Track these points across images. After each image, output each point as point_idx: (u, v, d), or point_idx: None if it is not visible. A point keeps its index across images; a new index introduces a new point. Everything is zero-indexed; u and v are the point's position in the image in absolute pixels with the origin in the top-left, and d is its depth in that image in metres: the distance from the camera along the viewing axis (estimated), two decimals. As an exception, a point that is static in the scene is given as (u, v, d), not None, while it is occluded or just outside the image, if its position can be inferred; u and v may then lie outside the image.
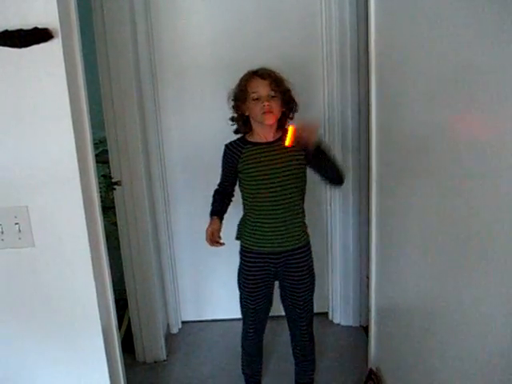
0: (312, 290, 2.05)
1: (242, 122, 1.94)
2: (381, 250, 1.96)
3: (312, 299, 2.06)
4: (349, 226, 2.64)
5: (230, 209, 2.08)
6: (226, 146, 1.97)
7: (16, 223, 1.24)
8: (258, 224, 1.92)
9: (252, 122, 1.91)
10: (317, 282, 2.79)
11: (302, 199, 1.97)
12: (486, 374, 1.13)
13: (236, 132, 1.99)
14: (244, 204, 1.98)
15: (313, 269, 2.04)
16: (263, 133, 1.90)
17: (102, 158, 2.50)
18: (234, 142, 1.96)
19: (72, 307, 1.34)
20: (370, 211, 2.01)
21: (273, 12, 2.43)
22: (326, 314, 2.88)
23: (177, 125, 2.57)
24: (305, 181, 1.94)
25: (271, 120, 1.83)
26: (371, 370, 2.11)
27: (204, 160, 2.58)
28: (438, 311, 1.40)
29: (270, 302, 2.08)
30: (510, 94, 0.93)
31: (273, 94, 1.81)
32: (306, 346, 2.12)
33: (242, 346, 2.19)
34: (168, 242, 2.69)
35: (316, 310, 2.83)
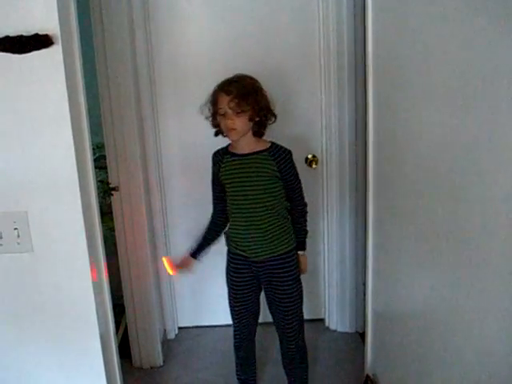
0: (298, 300, 2.02)
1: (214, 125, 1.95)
2: (377, 256, 1.97)
3: (300, 309, 2.04)
4: (345, 232, 2.65)
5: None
6: (213, 154, 2.01)
7: (15, 228, 1.25)
8: (236, 231, 1.97)
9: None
10: (313, 289, 2.82)
11: (278, 209, 1.95)
12: (482, 380, 1.13)
13: (216, 134, 1.98)
14: (228, 211, 2.01)
15: (298, 278, 2.02)
16: (237, 145, 1.91)
17: (99, 163, 2.50)
18: (219, 150, 2.00)
19: (70, 312, 1.34)
20: (367, 218, 2.01)
21: (270, 19, 2.45)
22: (322, 321, 2.89)
23: (174, 131, 2.58)
24: (280, 191, 1.94)
25: (234, 137, 1.85)
26: (368, 376, 2.11)
27: (202, 166, 2.56)
28: (434, 317, 1.40)
29: (256, 306, 2.09)
30: (506, 97, 0.94)
31: (238, 110, 1.79)
32: (294, 356, 2.08)
33: (234, 351, 2.18)
34: (165, 248, 2.69)
35: (312, 316, 2.87)
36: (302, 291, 2.03)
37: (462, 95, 1.13)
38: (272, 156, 1.90)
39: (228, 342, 2.57)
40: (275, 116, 1.94)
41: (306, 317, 2.82)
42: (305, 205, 2.03)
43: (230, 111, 1.79)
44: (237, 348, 2.15)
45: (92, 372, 1.40)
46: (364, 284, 2.27)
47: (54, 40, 1.15)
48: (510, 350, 1.02)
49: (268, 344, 2.59)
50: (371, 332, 2.10)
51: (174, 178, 2.64)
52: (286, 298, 1.98)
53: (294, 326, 2.03)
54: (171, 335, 2.81)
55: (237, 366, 2.21)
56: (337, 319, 2.81)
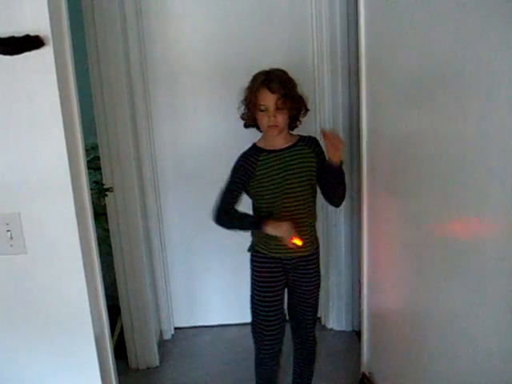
0: (319, 295, 2.01)
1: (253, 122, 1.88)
2: (373, 254, 1.97)
3: (318, 304, 2.03)
4: (341, 231, 2.65)
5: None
6: (242, 155, 1.91)
7: (8, 230, 1.24)
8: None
9: (262, 128, 1.86)
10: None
11: (315, 204, 1.93)
12: (476, 376, 1.14)
13: (247, 126, 1.92)
14: (255, 211, 1.94)
15: (320, 275, 2.00)
16: (273, 141, 1.87)
17: (93, 164, 2.50)
18: (249, 151, 1.91)
19: (64, 314, 1.34)
20: (362, 216, 2.01)
21: (264, 18, 2.45)
22: (318, 319, 2.88)
23: (169, 131, 2.57)
24: (315, 185, 1.90)
25: (275, 133, 1.82)
26: (364, 374, 2.12)
27: (196, 166, 2.59)
28: (429, 316, 1.41)
29: (282, 317, 1.98)
30: (502, 96, 0.94)
31: (281, 106, 1.77)
32: (312, 350, 2.07)
33: (256, 374, 2.08)
34: (160, 248, 2.69)
35: (309, 314, 2.87)
36: (320, 286, 2.02)
37: (457, 96, 1.13)
38: (310, 147, 1.88)
39: (224, 342, 2.59)
40: (307, 109, 1.90)
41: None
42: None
43: (272, 108, 1.76)
44: (263, 365, 2.03)
45: (87, 373, 1.40)
46: (359, 281, 2.27)
47: (45, 41, 1.14)
48: (504, 346, 1.02)
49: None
50: (367, 330, 2.10)
51: (169, 178, 2.64)
52: (312, 292, 1.96)
53: (315, 320, 2.03)
54: (167, 336, 2.80)
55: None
56: (333, 318, 2.81)
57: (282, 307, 1.96)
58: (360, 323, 2.25)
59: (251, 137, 1.96)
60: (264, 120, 1.79)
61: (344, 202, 2.54)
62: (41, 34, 1.14)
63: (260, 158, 1.86)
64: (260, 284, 1.93)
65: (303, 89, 2.56)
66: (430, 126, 1.28)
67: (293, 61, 2.50)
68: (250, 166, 1.86)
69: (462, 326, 1.19)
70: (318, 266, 1.98)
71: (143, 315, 2.47)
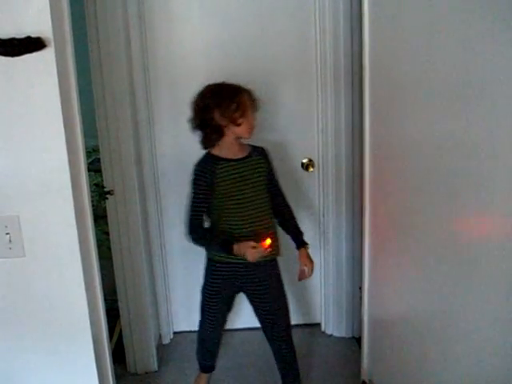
0: (285, 296, 2.10)
1: (215, 134, 1.94)
2: (374, 260, 1.96)
3: (287, 306, 2.11)
4: (342, 237, 2.64)
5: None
6: (199, 165, 1.98)
7: (7, 233, 1.23)
8: (236, 236, 1.93)
9: (229, 137, 1.94)
10: (309, 293, 2.81)
11: (271, 213, 2.04)
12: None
13: (208, 145, 2.00)
14: (212, 219, 2.02)
15: (281, 278, 2.11)
16: (229, 150, 1.96)
17: (94, 166, 2.49)
18: (204, 160, 1.99)
19: (62, 317, 1.33)
20: (364, 222, 2.01)
21: (267, 22, 2.44)
22: (318, 325, 2.87)
23: (170, 134, 2.56)
24: (268, 195, 2.03)
25: (251, 135, 1.96)
26: (364, 381, 2.10)
27: (197, 169, 2.57)
28: (431, 322, 1.40)
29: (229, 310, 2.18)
30: (505, 100, 0.94)
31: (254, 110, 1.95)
32: (287, 356, 2.15)
33: (200, 339, 2.27)
34: (160, 252, 2.68)
35: (308, 320, 2.86)
36: (283, 289, 2.12)
37: (459, 99, 1.13)
38: (263, 157, 2.04)
39: (223, 347, 2.56)
40: None
41: (301, 321, 2.86)
42: (287, 201, 2.13)
43: (252, 111, 1.93)
44: (204, 340, 2.25)
45: (85, 377, 1.39)
46: (360, 288, 2.26)
47: (46, 43, 1.14)
48: (507, 355, 1.01)
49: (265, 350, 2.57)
50: (367, 337, 2.09)
51: (169, 181, 2.62)
52: (272, 295, 2.06)
53: (284, 323, 2.12)
54: (166, 340, 2.79)
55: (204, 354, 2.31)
56: (333, 324, 2.79)
57: (229, 306, 2.16)
58: (360, 330, 2.23)
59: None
60: (249, 124, 1.92)
61: (345, 206, 2.56)
62: (42, 35, 1.13)
63: (219, 167, 1.93)
64: (211, 290, 2.06)
65: (306, 93, 2.57)
66: (435, 129, 1.27)
67: (296, 64, 2.51)
68: (210, 174, 1.93)
69: (464, 333, 1.18)
70: (279, 270, 2.09)
71: (142, 319, 2.45)
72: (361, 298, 2.16)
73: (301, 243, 2.10)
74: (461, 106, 1.12)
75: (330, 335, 2.81)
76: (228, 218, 1.96)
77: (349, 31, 2.33)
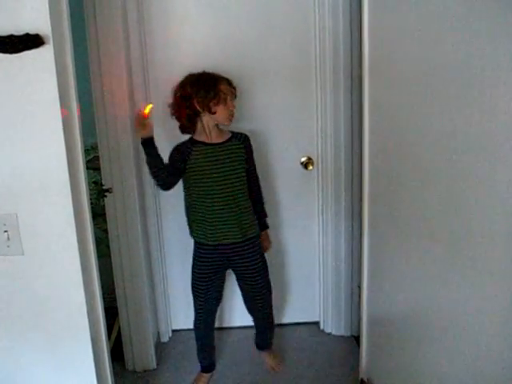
0: (266, 273, 2.29)
1: (193, 120, 2.11)
2: (373, 259, 1.96)
3: (268, 276, 2.30)
4: (341, 235, 2.63)
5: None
6: (176, 145, 2.15)
7: (5, 231, 1.23)
8: (208, 219, 2.12)
9: (208, 123, 2.10)
10: (308, 291, 2.82)
11: (246, 194, 2.19)
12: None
13: (185, 131, 2.18)
14: (190, 201, 2.17)
15: (263, 255, 2.29)
16: (214, 134, 2.13)
17: (93, 164, 2.48)
18: (184, 143, 2.15)
19: (61, 315, 1.33)
20: (363, 220, 2.00)
21: (266, 22, 2.43)
22: (317, 324, 2.87)
23: (168, 132, 2.56)
24: (245, 178, 2.18)
25: (231, 121, 2.13)
26: (362, 380, 2.10)
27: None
28: (429, 321, 1.40)
29: (221, 288, 2.32)
30: (505, 99, 0.93)
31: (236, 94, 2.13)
32: (265, 322, 2.41)
33: (196, 334, 2.37)
34: (159, 250, 2.68)
35: (307, 319, 2.87)
36: (266, 263, 2.30)
37: (459, 98, 1.12)
38: (242, 143, 2.18)
39: (221, 345, 2.57)
40: None
41: (300, 319, 2.86)
42: (260, 186, 2.31)
43: (231, 98, 2.08)
44: (199, 328, 2.34)
45: (83, 375, 1.39)
46: (359, 286, 2.26)
47: (45, 40, 1.14)
48: (508, 354, 1.01)
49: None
50: (366, 335, 2.09)
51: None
52: (257, 275, 2.24)
53: (264, 295, 2.31)
54: (165, 338, 2.79)
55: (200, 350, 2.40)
56: (332, 322, 2.79)
57: (219, 287, 2.30)
58: (359, 328, 2.23)
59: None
60: (228, 110, 2.08)
61: (344, 205, 2.56)
62: (41, 32, 1.13)
63: (194, 149, 2.10)
64: (199, 269, 2.22)
65: (305, 92, 2.57)
66: (435, 127, 1.27)
67: (295, 64, 2.50)
68: (183, 154, 2.10)
69: (464, 332, 1.18)
70: (259, 249, 2.25)
71: (141, 317, 2.45)
72: (360, 296, 2.16)
73: (263, 225, 2.31)
74: (461, 105, 1.12)
75: (329, 333, 2.81)
76: (200, 197, 2.11)
77: (348, 30, 2.32)
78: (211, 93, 2.02)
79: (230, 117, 2.10)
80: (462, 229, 1.16)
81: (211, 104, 2.03)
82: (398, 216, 1.62)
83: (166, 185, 2.15)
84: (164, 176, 2.10)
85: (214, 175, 2.07)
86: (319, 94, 2.50)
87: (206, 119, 2.09)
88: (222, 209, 2.10)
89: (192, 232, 2.22)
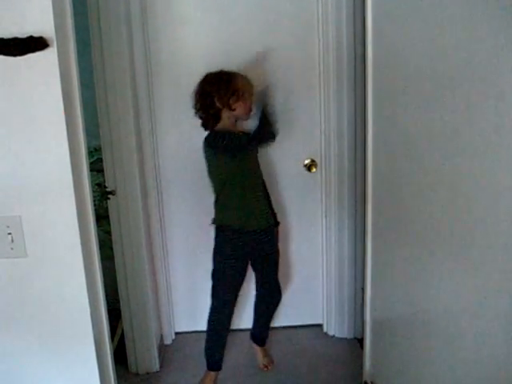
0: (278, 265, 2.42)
1: (214, 116, 2.20)
2: (376, 261, 1.95)
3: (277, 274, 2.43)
4: (344, 237, 2.63)
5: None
6: (216, 133, 2.18)
7: (9, 233, 1.23)
8: (244, 204, 2.19)
9: (229, 119, 2.20)
10: (311, 293, 2.82)
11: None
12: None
13: (208, 128, 2.24)
14: (220, 190, 2.21)
15: (278, 245, 2.39)
16: (235, 127, 2.24)
17: (97, 166, 2.49)
18: (213, 132, 2.21)
19: (64, 317, 1.33)
20: (366, 222, 2.00)
21: (269, 21, 2.44)
22: (320, 326, 2.87)
23: (172, 134, 2.56)
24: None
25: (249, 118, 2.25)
26: (366, 382, 2.09)
27: (199, 170, 2.57)
28: (433, 323, 1.39)
29: (240, 285, 2.32)
30: (509, 96, 0.93)
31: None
32: (278, 296, 2.47)
33: (211, 328, 2.34)
34: (162, 252, 2.68)
35: (310, 321, 2.87)
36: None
37: (463, 96, 1.12)
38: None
39: (226, 348, 2.56)
40: None
41: (303, 322, 2.86)
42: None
43: (250, 93, 2.19)
44: (214, 321, 2.33)
45: (86, 377, 1.39)
46: (363, 289, 2.25)
47: (49, 42, 1.14)
48: (511, 354, 1.01)
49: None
50: (370, 338, 2.08)
51: (172, 181, 2.62)
52: (274, 261, 2.39)
53: (276, 272, 2.42)
54: (168, 340, 2.79)
55: (212, 346, 2.38)
56: (335, 325, 2.79)
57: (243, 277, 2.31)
58: (362, 331, 2.23)
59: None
60: (246, 106, 2.18)
61: (347, 207, 2.56)
62: (45, 35, 1.13)
63: None
64: (226, 255, 2.23)
65: (308, 94, 2.57)
66: (439, 129, 1.26)
67: (298, 65, 2.50)
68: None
69: (469, 335, 1.17)
70: (275, 238, 2.34)
71: (144, 319, 2.45)
72: (363, 298, 2.16)
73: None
74: (466, 104, 1.11)
75: (332, 336, 2.80)
76: (233, 185, 2.18)
77: (351, 28, 2.33)
78: (230, 90, 2.12)
79: (249, 112, 2.21)
80: (465, 231, 1.15)
81: (231, 101, 2.13)
82: (402, 219, 1.61)
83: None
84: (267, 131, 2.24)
85: (248, 164, 2.21)
86: (322, 96, 2.50)
87: (227, 115, 2.18)
88: (253, 196, 2.20)
89: (222, 218, 2.23)
